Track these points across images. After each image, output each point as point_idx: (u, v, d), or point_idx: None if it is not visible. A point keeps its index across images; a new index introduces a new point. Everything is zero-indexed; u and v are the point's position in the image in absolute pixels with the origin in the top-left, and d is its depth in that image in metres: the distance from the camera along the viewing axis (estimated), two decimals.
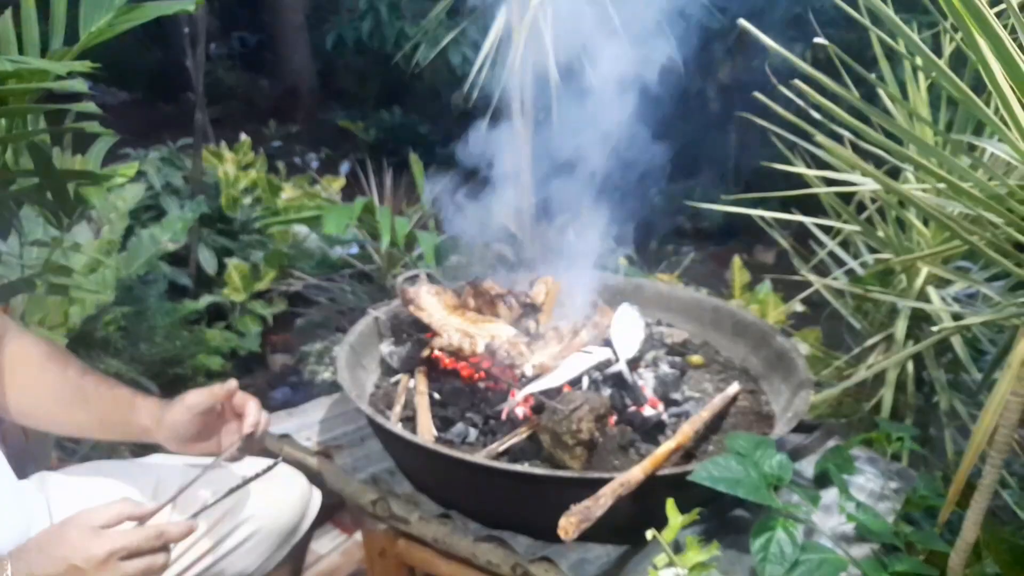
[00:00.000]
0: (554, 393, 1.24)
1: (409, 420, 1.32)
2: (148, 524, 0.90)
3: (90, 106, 1.27)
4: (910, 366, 1.62)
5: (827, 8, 1.24)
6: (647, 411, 1.31)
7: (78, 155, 1.95)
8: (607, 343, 1.40)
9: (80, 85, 1.18)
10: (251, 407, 1.09)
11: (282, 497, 1.15)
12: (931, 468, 1.56)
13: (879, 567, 1.07)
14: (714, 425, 1.31)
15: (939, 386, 1.59)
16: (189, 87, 3.39)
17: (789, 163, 1.65)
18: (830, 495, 1.23)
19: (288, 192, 3.16)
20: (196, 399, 1.06)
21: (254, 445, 1.10)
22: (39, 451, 1.59)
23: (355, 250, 2.94)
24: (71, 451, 1.94)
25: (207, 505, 1.01)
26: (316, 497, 1.26)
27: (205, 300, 2.60)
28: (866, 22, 1.28)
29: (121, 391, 1.09)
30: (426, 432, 1.26)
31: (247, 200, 3.11)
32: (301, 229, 2.92)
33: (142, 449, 1.61)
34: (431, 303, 1.46)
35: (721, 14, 1.39)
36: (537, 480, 1.07)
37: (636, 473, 1.04)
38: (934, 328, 1.46)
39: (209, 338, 2.51)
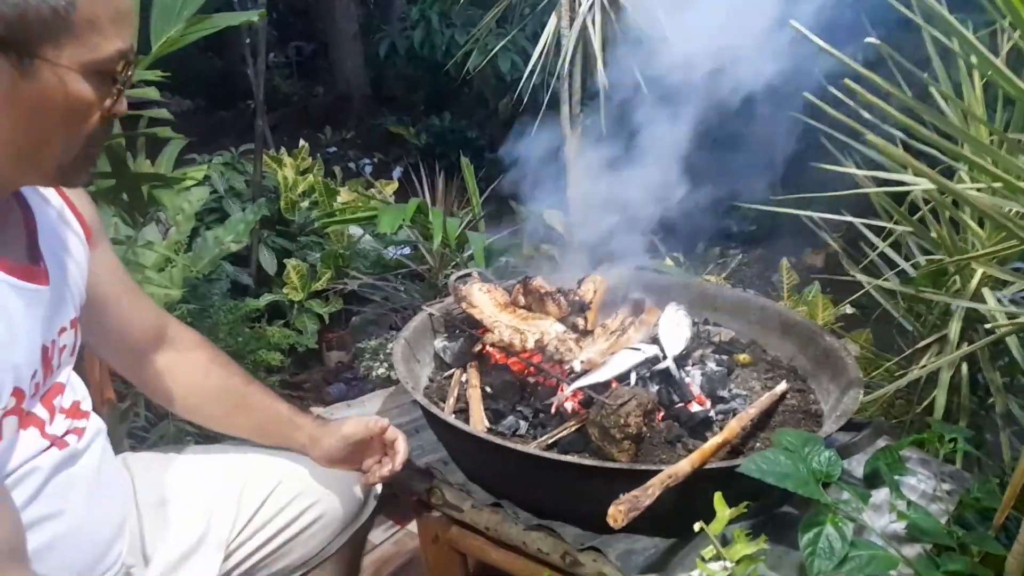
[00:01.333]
0: (602, 388, 1.27)
1: (462, 412, 1.36)
2: None
3: (163, 112, 1.35)
4: (964, 368, 1.60)
5: (878, 8, 1.24)
6: (694, 407, 1.33)
7: (148, 160, 2.06)
8: (655, 341, 1.43)
9: (153, 92, 1.26)
10: (401, 441, 1.20)
11: (345, 484, 1.21)
12: (985, 471, 1.54)
13: (932, 566, 1.07)
14: (761, 423, 1.33)
15: (994, 388, 1.56)
16: (249, 95, 3.53)
17: (839, 164, 1.65)
18: (880, 495, 1.23)
19: (344, 196, 3.25)
20: (353, 431, 1.17)
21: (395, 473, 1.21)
22: (116, 436, 1.68)
23: (407, 251, 3.02)
24: (141, 439, 2.05)
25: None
26: (376, 486, 1.32)
27: (265, 299, 2.69)
28: (920, 21, 1.28)
29: (282, 407, 1.20)
30: (478, 424, 1.30)
31: (305, 203, 3.21)
32: (356, 231, 3.01)
33: (206, 439, 1.69)
34: (483, 300, 1.50)
35: (770, 15, 1.40)
36: (587, 471, 1.10)
37: (684, 466, 1.06)
38: (987, 326, 1.44)
39: (269, 335, 2.61)
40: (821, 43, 1.13)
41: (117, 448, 1.10)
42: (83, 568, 0.95)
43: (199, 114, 6.35)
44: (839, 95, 1.31)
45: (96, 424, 1.00)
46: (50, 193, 0.96)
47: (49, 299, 0.88)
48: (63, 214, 0.97)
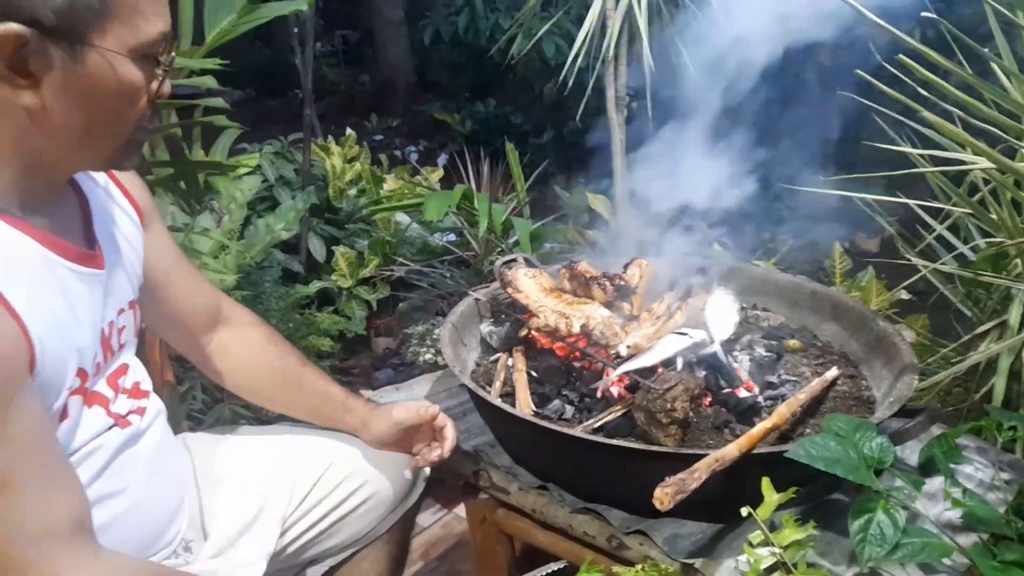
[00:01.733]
0: (648, 373, 1.27)
1: (508, 396, 1.38)
2: None
3: (219, 101, 1.39)
4: None
5: None
6: (742, 393, 1.32)
7: (201, 149, 2.11)
8: (702, 325, 1.42)
9: (211, 81, 1.30)
10: (450, 428, 1.23)
11: (395, 466, 1.24)
12: None
13: (988, 555, 1.05)
14: (811, 409, 1.31)
15: None
16: (297, 84, 3.58)
17: (894, 144, 1.60)
18: (935, 483, 1.21)
19: (390, 183, 3.28)
20: (404, 416, 1.20)
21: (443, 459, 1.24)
22: (175, 417, 1.75)
23: (453, 237, 3.04)
24: (198, 421, 2.12)
25: None
26: (424, 469, 1.34)
27: (315, 285, 2.75)
28: None
29: (335, 389, 1.23)
30: (525, 407, 1.31)
31: (352, 191, 3.25)
32: (403, 218, 3.04)
33: (261, 423, 1.74)
34: (528, 285, 1.51)
35: None
36: (633, 454, 1.11)
37: (731, 450, 1.06)
38: None
39: (319, 321, 2.66)
40: (875, 18, 1.10)
41: (176, 429, 1.14)
42: (144, 544, 0.99)
43: (248, 104, 6.47)
44: (896, 72, 1.27)
45: (156, 404, 1.04)
46: (101, 178, 0.98)
47: (106, 282, 0.91)
48: (115, 198, 1.00)
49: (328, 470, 1.17)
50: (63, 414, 0.84)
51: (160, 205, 2.01)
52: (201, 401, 2.24)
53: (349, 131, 3.57)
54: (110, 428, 0.92)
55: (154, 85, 0.81)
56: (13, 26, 0.70)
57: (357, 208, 3.20)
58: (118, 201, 1.00)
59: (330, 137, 3.57)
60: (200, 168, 1.59)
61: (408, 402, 1.24)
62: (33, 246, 0.80)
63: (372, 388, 2.30)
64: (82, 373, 0.86)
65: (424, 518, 2.18)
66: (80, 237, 0.90)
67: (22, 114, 0.75)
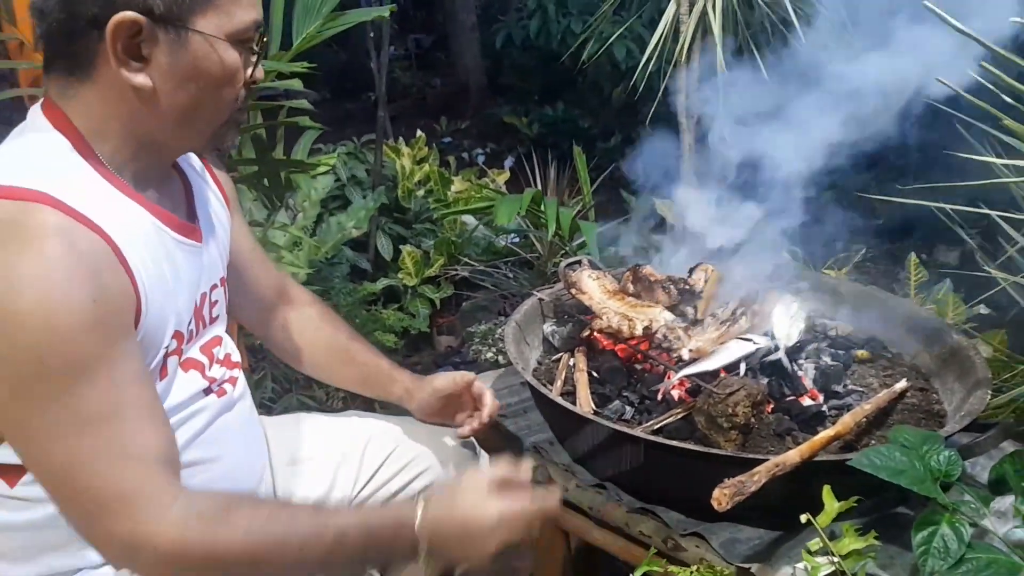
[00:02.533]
0: (710, 377, 1.27)
1: (569, 395, 1.40)
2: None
3: (303, 103, 1.45)
4: None
5: None
6: (806, 401, 1.31)
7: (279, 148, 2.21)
8: (767, 332, 1.41)
9: (297, 84, 1.37)
10: (488, 395, 1.27)
11: (456, 453, 1.28)
12: None
13: None
14: (878, 420, 1.29)
15: None
16: (370, 87, 3.68)
17: (976, 153, 1.55)
18: (1005, 502, 1.16)
19: (457, 185, 3.34)
20: (443, 384, 1.26)
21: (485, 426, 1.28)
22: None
23: (517, 239, 3.08)
24: (268, 408, 2.21)
25: None
26: (484, 458, 1.38)
27: (382, 283, 2.83)
28: None
29: (383, 362, 1.29)
30: (585, 406, 1.33)
31: (420, 192, 3.33)
32: (469, 219, 3.09)
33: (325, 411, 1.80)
34: (592, 287, 1.53)
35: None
36: (694, 456, 1.11)
37: (793, 456, 1.05)
38: None
39: (384, 317, 2.74)
40: (958, 24, 1.08)
41: None
42: None
43: (325, 105, 6.65)
44: (979, 79, 1.24)
45: (243, 377, 1.11)
46: (197, 164, 1.07)
47: (203, 256, 0.99)
48: (208, 183, 1.08)
49: (394, 452, 1.22)
50: (162, 372, 0.91)
51: (241, 200, 2.12)
52: (271, 390, 2.33)
53: (419, 133, 3.65)
54: (207, 393, 0.99)
55: (249, 70, 0.89)
56: (129, 14, 0.78)
57: (425, 208, 3.28)
58: (211, 186, 1.08)
59: (400, 139, 3.66)
60: (284, 166, 1.67)
61: (447, 372, 1.28)
62: (146, 216, 0.88)
63: None
64: (178, 335, 0.93)
65: None
66: (183, 213, 0.98)
67: (134, 96, 0.82)
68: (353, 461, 1.20)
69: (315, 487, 1.16)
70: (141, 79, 0.82)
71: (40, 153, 0.83)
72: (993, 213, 1.62)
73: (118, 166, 0.87)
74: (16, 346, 0.75)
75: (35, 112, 0.87)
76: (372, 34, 3.33)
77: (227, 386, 1.03)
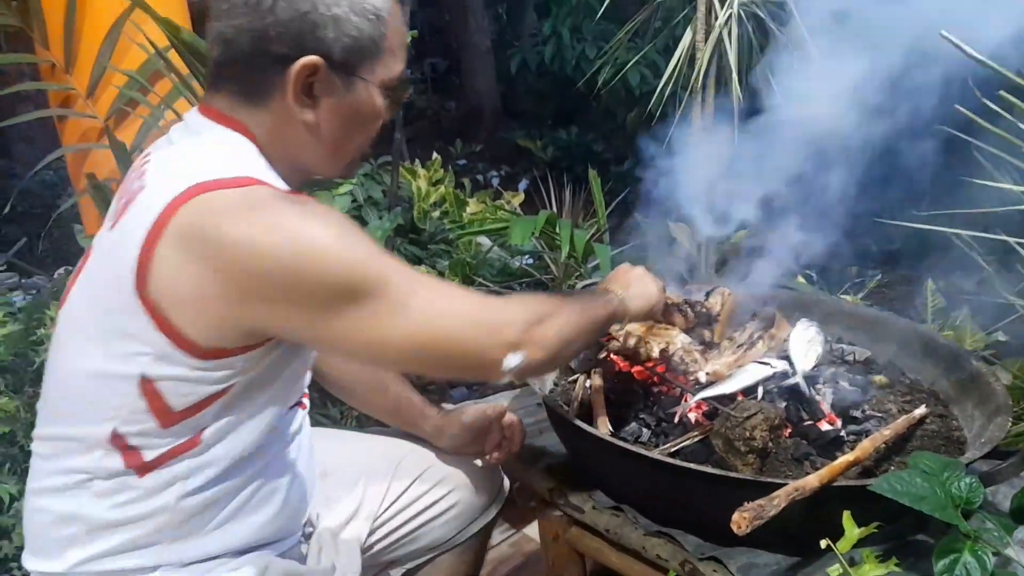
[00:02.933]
0: (728, 400, 1.27)
1: (585, 416, 1.40)
2: None
3: None
4: None
5: None
6: (824, 426, 1.30)
7: None
8: (784, 356, 1.41)
9: None
10: (517, 428, 1.32)
11: (482, 476, 1.29)
12: None
13: None
14: (897, 446, 1.28)
15: None
16: None
17: (993, 179, 1.55)
18: None
19: (472, 207, 3.37)
20: (473, 418, 1.30)
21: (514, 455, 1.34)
22: None
23: (532, 260, 3.09)
24: None
25: None
26: (506, 482, 1.39)
27: None
28: None
29: (414, 396, 1.33)
30: (602, 427, 1.33)
31: (436, 213, 3.36)
32: (484, 240, 3.12)
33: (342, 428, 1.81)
34: None
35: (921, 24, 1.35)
36: (712, 480, 1.11)
37: (812, 480, 1.05)
38: None
39: None
40: (976, 55, 1.09)
41: None
42: (292, 521, 1.09)
43: None
44: (993, 107, 1.25)
45: None
46: None
47: None
48: None
49: (424, 473, 1.23)
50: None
51: None
52: None
53: (435, 155, 3.69)
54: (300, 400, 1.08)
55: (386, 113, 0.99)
56: (314, 58, 0.88)
57: (440, 229, 3.30)
58: None
59: (416, 160, 3.70)
60: (306, 187, 1.69)
61: (476, 404, 1.29)
62: None
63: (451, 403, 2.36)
64: None
65: (493, 536, 2.20)
66: None
67: (301, 126, 0.93)
68: (384, 476, 1.22)
69: (346, 500, 1.18)
70: (309, 116, 0.91)
71: (243, 152, 0.91)
72: (1011, 240, 1.62)
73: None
74: (329, 271, 0.84)
75: (204, 119, 0.93)
76: None
77: (304, 399, 1.10)
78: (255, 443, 0.97)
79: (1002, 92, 1.05)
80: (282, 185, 0.90)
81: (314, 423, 2.23)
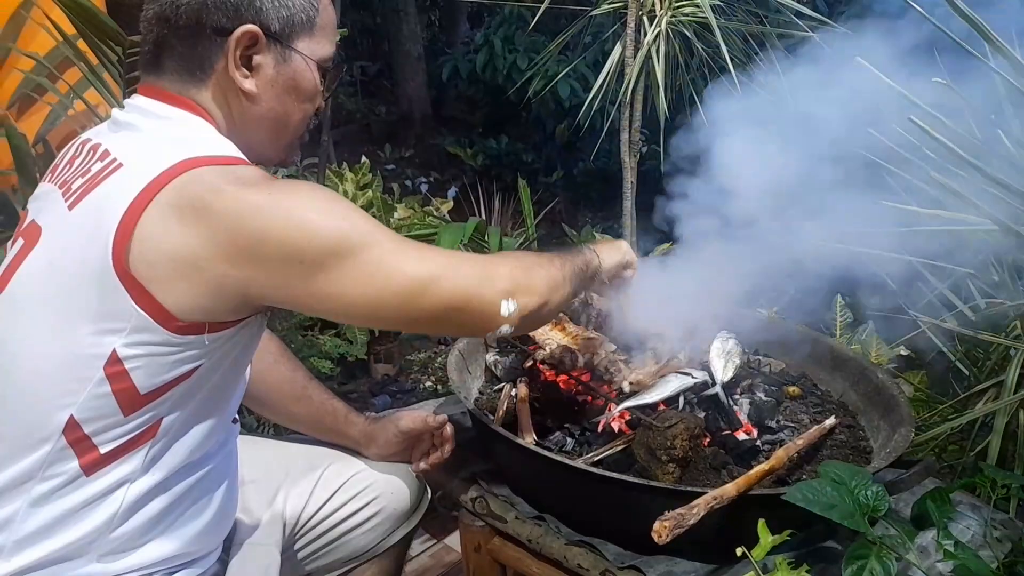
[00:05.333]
0: (650, 410, 1.28)
1: (510, 426, 1.39)
2: None
3: None
4: (1021, 415, 1.56)
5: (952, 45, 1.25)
6: (741, 436, 1.34)
7: None
8: (704, 367, 1.44)
9: None
10: (449, 436, 1.30)
11: (405, 483, 1.27)
12: None
13: None
14: (808, 455, 1.32)
15: None
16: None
17: (902, 202, 1.64)
18: (927, 536, 1.21)
19: (401, 212, 3.33)
20: (412, 425, 1.27)
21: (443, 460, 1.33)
22: None
23: None
24: None
25: None
26: (427, 490, 1.36)
27: None
28: (991, 65, 1.29)
29: (338, 404, 1.29)
30: (527, 437, 1.33)
31: None
32: None
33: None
34: None
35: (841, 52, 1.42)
36: (632, 488, 1.12)
37: (730, 489, 1.07)
38: None
39: (321, 343, 2.69)
40: (890, 82, 1.14)
41: None
42: (223, 530, 1.05)
43: None
44: (904, 134, 1.31)
45: None
46: None
47: None
48: None
49: (348, 482, 1.20)
50: None
51: None
52: None
53: (363, 159, 3.63)
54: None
55: (319, 98, 1.00)
56: (252, 27, 0.91)
57: None
58: None
59: (344, 164, 3.63)
60: None
61: (414, 411, 1.28)
62: None
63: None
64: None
65: (413, 546, 2.17)
66: None
67: (243, 98, 0.94)
68: (305, 485, 1.18)
69: (263, 510, 1.14)
70: (249, 84, 0.93)
71: (209, 134, 0.93)
72: (914, 259, 1.71)
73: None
74: (323, 227, 0.85)
75: (158, 103, 0.93)
76: None
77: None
78: (202, 447, 0.95)
79: (911, 117, 1.11)
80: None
81: (249, 432, 2.16)
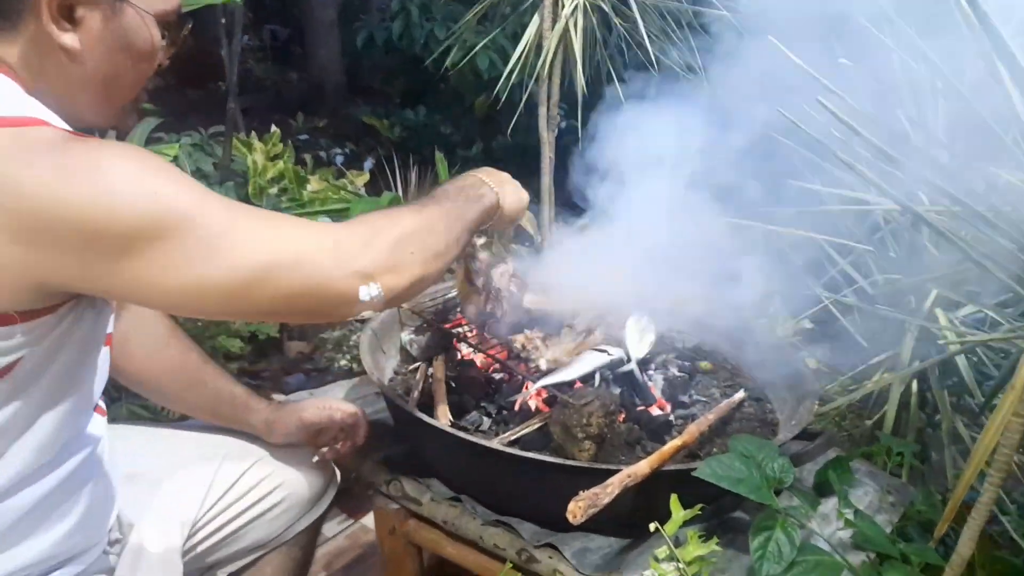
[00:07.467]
0: (566, 388, 1.28)
1: (426, 406, 1.36)
2: None
3: None
4: (915, 385, 1.65)
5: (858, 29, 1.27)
6: (655, 411, 1.36)
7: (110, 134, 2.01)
8: (620, 344, 1.45)
9: None
10: (362, 423, 1.25)
11: (311, 470, 1.22)
12: (929, 485, 1.59)
13: (874, 574, 1.11)
14: (719, 429, 1.35)
15: (942, 407, 1.62)
16: (220, 76, 3.47)
17: (808, 182, 1.68)
18: (829, 504, 1.27)
19: (314, 184, 3.21)
20: (315, 418, 1.20)
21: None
22: None
23: None
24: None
25: None
26: (336, 475, 1.32)
27: None
28: (891, 46, 1.32)
29: (238, 389, 1.20)
30: (442, 417, 1.30)
31: (274, 190, 3.16)
32: (325, 220, 2.98)
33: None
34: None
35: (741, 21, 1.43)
36: (547, 468, 1.12)
37: (643, 466, 1.08)
38: (939, 343, 1.49)
39: (229, 321, 2.57)
40: (797, 60, 1.16)
41: None
42: (100, 532, 0.98)
43: (168, 92, 6.21)
44: (812, 113, 1.34)
45: None
46: None
47: None
48: None
49: (249, 470, 1.15)
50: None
51: None
52: None
53: (274, 128, 3.47)
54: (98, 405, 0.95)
55: (160, 53, 0.89)
56: None
57: (278, 207, 3.12)
58: None
59: (253, 133, 3.47)
60: None
61: (319, 401, 1.22)
62: None
63: (284, 392, 2.24)
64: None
65: (329, 528, 2.13)
66: None
67: (62, 55, 0.81)
68: (204, 474, 1.11)
69: (158, 504, 1.07)
70: (69, 39, 0.81)
71: (11, 91, 0.79)
72: (818, 237, 1.77)
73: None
74: (127, 208, 0.73)
75: None
76: (224, 20, 3.14)
77: (102, 401, 0.97)
78: (54, 442, 0.85)
79: (819, 98, 1.13)
80: (64, 125, 0.79)
81: (130, 416, 2.05)
